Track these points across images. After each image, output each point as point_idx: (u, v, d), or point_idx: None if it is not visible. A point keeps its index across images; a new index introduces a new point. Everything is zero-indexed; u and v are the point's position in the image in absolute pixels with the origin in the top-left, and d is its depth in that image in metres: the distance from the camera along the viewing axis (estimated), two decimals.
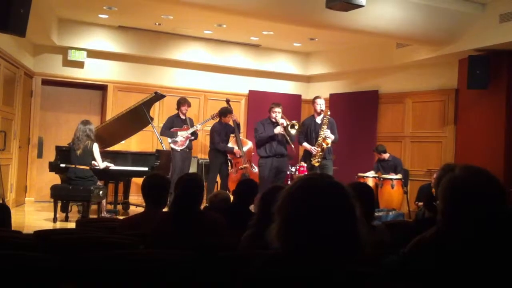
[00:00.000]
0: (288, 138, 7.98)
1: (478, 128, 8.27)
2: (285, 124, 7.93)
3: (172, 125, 8.94)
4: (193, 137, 9.01)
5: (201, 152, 10.44)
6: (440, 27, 7.80)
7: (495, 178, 2.01)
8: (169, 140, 8.79)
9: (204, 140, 10.34)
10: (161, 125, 9.30)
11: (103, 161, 7.71)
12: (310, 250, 1.52)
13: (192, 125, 9.00)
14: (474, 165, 2.09)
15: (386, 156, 9.14)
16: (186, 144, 8.86)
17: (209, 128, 9.34)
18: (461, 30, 7.86)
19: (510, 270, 1.86)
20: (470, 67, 8.04)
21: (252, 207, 4.48)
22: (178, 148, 8.77)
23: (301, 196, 1.58)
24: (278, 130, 7.89)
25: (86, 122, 7.64)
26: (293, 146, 8.21)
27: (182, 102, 9.06)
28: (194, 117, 9.68)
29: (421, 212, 7.56)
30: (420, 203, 8.14)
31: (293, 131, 7.96)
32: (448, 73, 9.07)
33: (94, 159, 7.56)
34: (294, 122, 8.04)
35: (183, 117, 9.06)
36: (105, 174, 7.90)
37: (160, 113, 10.08)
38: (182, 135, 8.84)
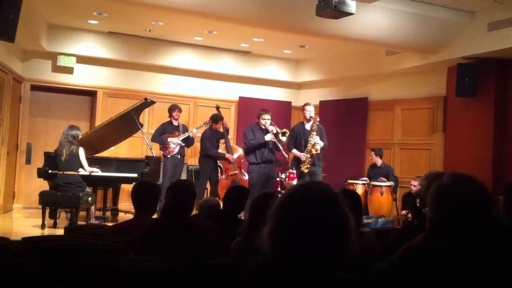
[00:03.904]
0: (279, 145, 7.99)
1: (467, 136, 8.33)
2: (275, 131, 7.94)
3: (164, 131, 8.91)
4: (184, 144, 8.97)
5: (191, 158, 10.42)
6: (429, 35, 7.86)
7: (482, 186, 2.03)
8: (159, 146, 8.76)
9: (194, 146, 10.33)
10: (151, 131, 9.30)
11: (91, 167, 7.69)
12: (300, 253, 1.54)
13: (184, 132, 8.98)
14: (462, 172, 2.11)
15: (379, 162, 9.19)
16: (176, 151, 8.82)
17: (199, 135, 9.33)
18: (450, 38, 7.93)
19: (497, 277, 1.88)
20: (459, 75, 8.10)
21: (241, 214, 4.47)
22: (168, 155, 8.76)
23: (297, 201, 1.60)
24: (269, 137, 7.87)
25: (70, 127, 7.61)
26: (284, 153, 8.23)
27: (173, 108, 9.05)
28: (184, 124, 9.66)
29: (407, 219, 7.62)
30: (403, 212, 8.18)
31: (283, 138, 7.97)
32: (437, 81, 9.13)
33: (81, 164, 7.52)
34: (285, 130, 8.06)
35: (175, 123, 9.04)
36: (93, 180, 7.86)
37: (150, 119, 10.05)
38: (172, 142, 8.81)
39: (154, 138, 8.85)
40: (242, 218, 5.11)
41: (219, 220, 3.89)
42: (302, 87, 11.82)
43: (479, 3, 7.36)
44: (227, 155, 9.11)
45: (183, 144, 8.95)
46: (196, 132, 9.15)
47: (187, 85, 10.74)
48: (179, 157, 8.89)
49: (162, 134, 8.88)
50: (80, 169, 7.55)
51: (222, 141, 9.31)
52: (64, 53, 9.54)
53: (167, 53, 10.29)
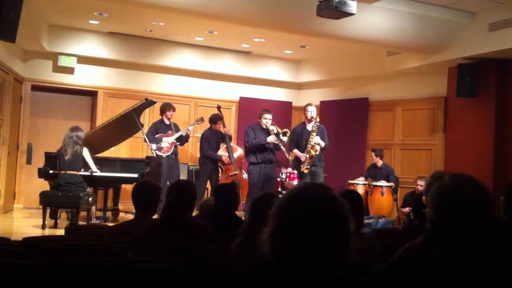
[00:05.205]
0: (280, 145, 8.00)
1: (467, 136, 8.33)
2: (275, 131, 7.94)
3: (157, 131, 8.83)
4: (178, 143, 8.91)
5: (192, 159, 10.43)
6: (430, 36, 7.87)
7: (483, 186, 2.02)
8: (154, 147, 8.53)
9: (194, 146, 10.33)
10: None
11: None
12: (299, 254, 1.54)
13: (177, 131, 8.92)
14: (463, 173, 2.11)
15: (379, 163, 9.19)
16: (171, 150, 8.75)
17: (199, 135, 9.31)
18: (451, 38, 7.93)
19: (497, 277, 1.88)
20: (460, 75, 8.10)
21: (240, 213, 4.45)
22: (164, 155, 8.67)
23: (297, 202, 1.61)
24: (271, 139, 7.87)
25: (74, 129, 7.59)
26: (286, 154, 8.25)
27: (168, 107, 8.93)
28: (184, 124, 9.65)
29: (408, 219, 7.63)
30: (405, 209, 8.18)
31: (284, 138, 7.97)
32: (438, 81, 9.13)
33: (85, 164, 7.53)
34: (286, 130, 8.08)
35: (167, 122, 8.95)
36: (94, 180, 7.86)
37: (150, 120, 10.02)
38: (167, 141, 8.74)
39: (149, 139, 8.58)
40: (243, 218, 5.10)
41: (217, 220, 3.88)
42: (303, 88, 11.82)
43: (480, 4, 7.36)
44: (223, 158, 9.08)
45: (178, 143, 8.91)
46: (190, 131, 9.08)
47: (188, 86, 10.74)
48: (173, 156, 8.81)
49: (155, 133, 8.78)
50: (91, 170, 7.57)
51: (223, 142, 9.29)
52: (65, 53, 9.54)
53: (168, 53, 10.29)
